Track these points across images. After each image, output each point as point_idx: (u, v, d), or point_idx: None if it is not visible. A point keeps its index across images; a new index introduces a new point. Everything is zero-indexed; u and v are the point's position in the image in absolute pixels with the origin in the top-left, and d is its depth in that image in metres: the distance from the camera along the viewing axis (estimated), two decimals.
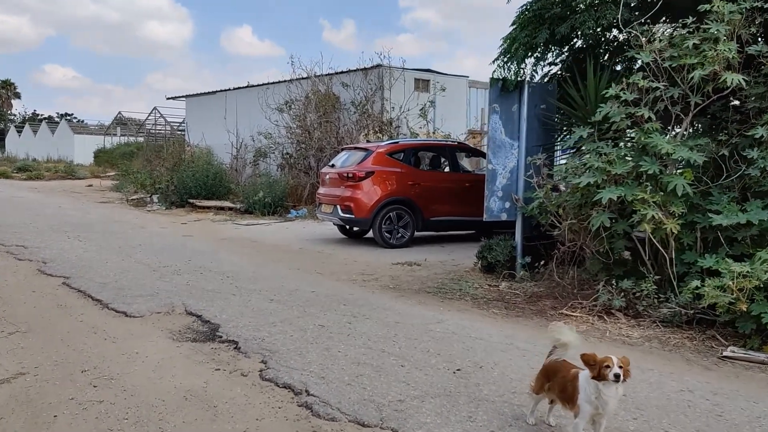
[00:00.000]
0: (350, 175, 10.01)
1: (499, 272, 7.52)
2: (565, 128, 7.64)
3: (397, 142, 10.59)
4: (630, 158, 5.83)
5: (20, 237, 10.37)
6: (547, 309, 6.10)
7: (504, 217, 7.60)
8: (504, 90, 7.43)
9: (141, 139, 38.96)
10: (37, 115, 79.56)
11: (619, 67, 7.66)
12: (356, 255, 9.44)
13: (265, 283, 7.16)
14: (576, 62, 7.47)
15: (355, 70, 17.59)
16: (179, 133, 32.15)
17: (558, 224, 6.60)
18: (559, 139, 7.76)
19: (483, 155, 11.28)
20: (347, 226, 10.78)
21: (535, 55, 7.16)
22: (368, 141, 13.07)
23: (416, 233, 10.30)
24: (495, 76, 7.34)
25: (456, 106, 18.74)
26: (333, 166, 10.80)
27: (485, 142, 19.64)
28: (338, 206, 10.11)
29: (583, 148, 6.53)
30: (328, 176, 10.66)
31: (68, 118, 77.11)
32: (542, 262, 7.34)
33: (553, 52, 7.18)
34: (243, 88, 22.79)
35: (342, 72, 17.84)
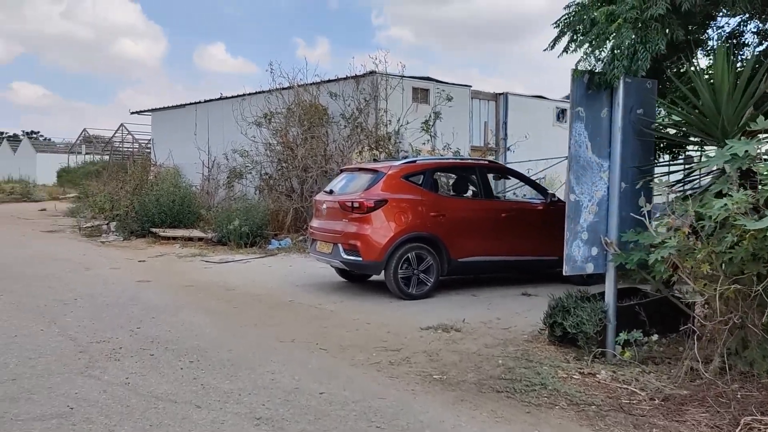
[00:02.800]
0: (356, 204, 7.65)
1: (585, 348, 5.22)
2: (677, 142, 5.41)
3: (414, 161, 8.26)
4: None
5: None
6: (705, 430, 3.80)
7: (590, 268, 5.31)
8: (591, 88, 5.18)
9: (107, 158, 36.26)
10: (1, 133, 75.75)
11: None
12: (367, 311, 7.07)
13: (247, 375, 4.74)
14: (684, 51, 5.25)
15: (345, 78, 15.28)
16: (147, 151, 29.54)
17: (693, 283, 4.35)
18: (666, 157, 5.54)
19: (520, 177, 9.05)
20: (352, 270, 8.34)
21: (645, 36, 4.87)
22: (375, 160, 10.61)
23: (440, 278, 7.96)
24: (580, 67, 5.08)
25: (458, 120, 16.51)
26: (331, 192, 8.41)
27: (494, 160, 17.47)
28: (340, 245, 7.73)
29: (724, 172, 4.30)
30: (324, 205, 8.27)
31: (33, 136, 73.54)
32: (653, 336, 5.06)
33: (672, 32, 4.91)
34: (215, 100, 20.33)
35: (330, 80, 15.51)
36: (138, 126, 36.09)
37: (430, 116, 13.84)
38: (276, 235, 14.20)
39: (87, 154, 44.37)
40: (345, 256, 7.70)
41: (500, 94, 18.18)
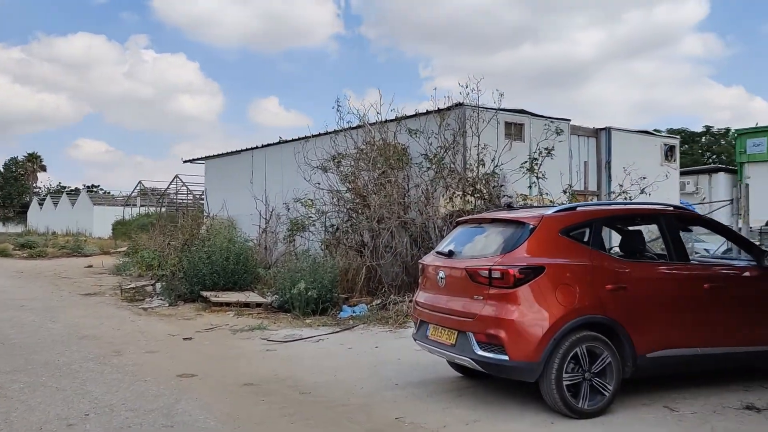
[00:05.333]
0: (496, 273, 5.10)
1: None
2: None
3: (574, 208, 5.71)
4: None
5: None
6: None
7: None
8: None
9: (163, 210, 35.21)
10: (64, 187, 77.08)
11: None
12: None
13: None
14: None
15: (426, 113, 13.01)
16: (201, 202, 28.03)
17: None
18: None
19: (722, 231, 6.39)
20: (489, 373, 5.64)
21: None
22: (528, 205, 7.73)
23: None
24: None
25: (555, 159, 13.90)
26: (450, 254, 5.87)
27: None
28: (472, 336, 5.17)
29: None
30: (440, 273, 5.73)
31: (92, 189, 74.48)
32: None
33: None
34: (273, 145, 18.45)
35: (409, 117, 13.26)
36: (193, 177, 34.98)
37: (538, 152, 11.32)
38: (347, 299, 11.78)
39: (142, 206, 43.79)
40: (480, 353, 5.09)
41: (602, 129, 15.59)
